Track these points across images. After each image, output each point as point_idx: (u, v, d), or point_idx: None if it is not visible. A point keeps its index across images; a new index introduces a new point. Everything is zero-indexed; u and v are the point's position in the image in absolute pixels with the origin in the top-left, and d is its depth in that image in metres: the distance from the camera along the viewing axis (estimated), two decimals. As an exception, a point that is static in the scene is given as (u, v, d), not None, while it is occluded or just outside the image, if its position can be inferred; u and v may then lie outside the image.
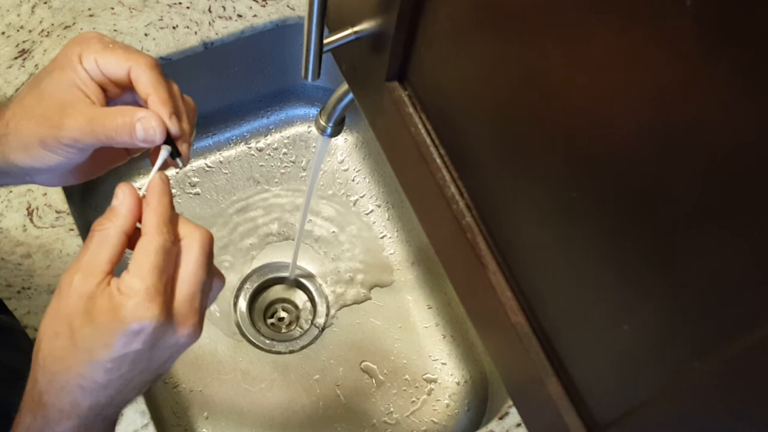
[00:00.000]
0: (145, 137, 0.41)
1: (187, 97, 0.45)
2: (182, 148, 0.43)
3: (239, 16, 0.86)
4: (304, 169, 0.96)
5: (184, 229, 0.41)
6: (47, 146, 0.42)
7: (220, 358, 0.83)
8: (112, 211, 0.40)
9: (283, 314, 0.90)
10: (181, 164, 0.43)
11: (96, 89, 0.42)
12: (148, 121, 0.41)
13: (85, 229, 0.79)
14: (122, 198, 0.40)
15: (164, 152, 0.42)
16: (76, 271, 0.39)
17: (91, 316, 0.38)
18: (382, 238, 0.93)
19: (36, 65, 0.80)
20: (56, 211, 0.73)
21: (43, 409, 0.40)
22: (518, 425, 0.70)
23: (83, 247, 0.40)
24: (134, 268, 0.38)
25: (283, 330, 0.88)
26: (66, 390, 0.39)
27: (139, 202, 0.41)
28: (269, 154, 0.97)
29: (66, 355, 0.39)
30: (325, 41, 0.41)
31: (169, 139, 0.42)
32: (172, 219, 0.41)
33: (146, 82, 0.41)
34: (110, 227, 0.39)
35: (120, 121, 0.41)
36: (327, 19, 0.39)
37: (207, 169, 0.94)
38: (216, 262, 0.45)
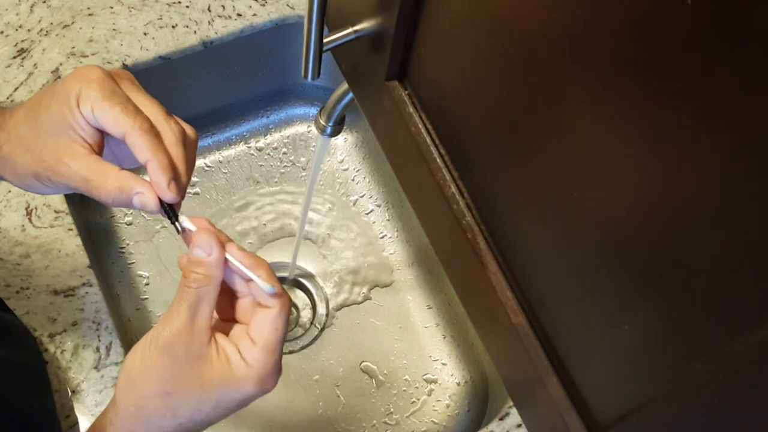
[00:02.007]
0: (142, 208, 0.42)
1: (189, 129, 0.44)
2: (179, 189, 0.42)
3: (239, 15, 0.86)
4: (304, 169, 0.96)
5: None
6: (41, 181, 0.43)
7: (220, 358, 0.83)
8: (201, 265, 0.40)
9: (282, 314, 0.90)
10: (179, 229, 0.42)
11: (93, 134, 0.42)
12: (144, 197, 0.41)
13: (84, 229, 0.79)
14: (209, 249, 0.40)
15: (187, 222, 0.42)
16: (182, 332, 0.40)
17: (211, 385, 0.40)
18: (382, 238, 0.93)
19: (35, 64, 0.80)
20: (55, 211, 0.73)
21: None
22: (519, 426, 0.70)
23: (179, 305, 0.40)
24: (261, 341, 0.39)
25: (283, 330, 0.88)
26: None
27: (223, 247, 0.40)
28: (269, 154, 0.97)
29: (176, 415, 0.41)
30: (325, 40, 0.41)
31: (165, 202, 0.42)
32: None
33: (143, 148, 0.40)
34: (206, 284, 0.40)
35: (118, 191, 0.41)
36: (327, 18, 0.39)
37: (206, 168, 0.94)
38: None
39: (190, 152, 0.44)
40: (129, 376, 0.41)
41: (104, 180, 0.41)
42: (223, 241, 0.41)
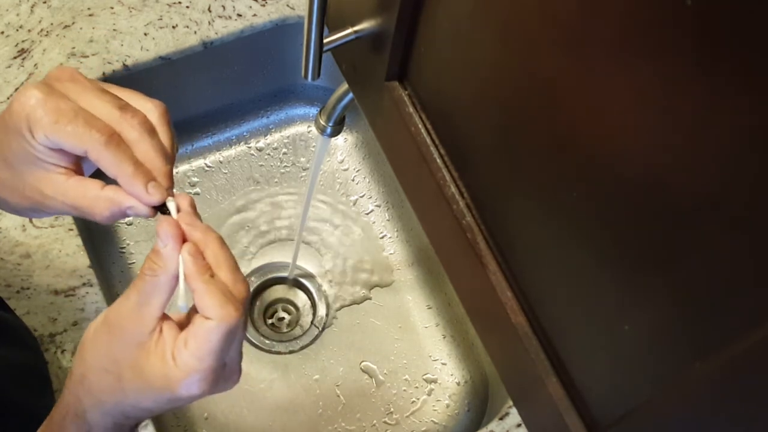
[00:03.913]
0: (138, 215, 0.41)
1: (152, 111, 0.41)
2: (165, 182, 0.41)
3: (239, 15, 0.86)
4: (304, 169, 0.96)
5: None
6: (39, 213, 0.43)
7: (220, 358, 0.83)
8: (159, 256, 0.39)
9: (282, 314, 0.90)
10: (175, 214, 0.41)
11: (63, 155, 0.40)
12: (136, 209, 0.40)
13: (84, 229, 0.79)
14: (167, 240, 0.39)
15: (171, 205, 0.41)
16: (128, 315, 0.39)
17: (143, 375, 0.39)
18: (382, 238, 0.93)
19: (35, 65, 0.80)
20: (56, 211, 0.73)
21: (86, 424, 0.42)
22: (518, 425, 0.70)
23: (132, 289, 0.39)
24: (193, 346, 0.38)
25: (283, 330, 0.88)
26: (110, 414, 0.41)
27: (184, 239, 0.39)
28: (269, 154, 0.97)
29: (113, 393, 0.40)
30: (325, 41, 0.41)
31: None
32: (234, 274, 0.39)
33: (107, 165, 0.39)
34: (161, 274, 0.39)
35: (109, 212, 0.40)
36: (327, 19, 0.39)
37: (206, 168, 0.94)
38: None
39: (162, 134, 0.41)
40: (82, 344, 0.41)
41: (93, 204, 0.40)
42: (189, 237, 0.39)
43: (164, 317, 0.40)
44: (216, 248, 0.40)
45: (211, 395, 0.41)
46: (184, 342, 0.38)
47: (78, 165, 0.41)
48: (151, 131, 0.40)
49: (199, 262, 0.39)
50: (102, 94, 0.40)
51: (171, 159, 0.41)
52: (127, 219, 0.89)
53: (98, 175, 0.42)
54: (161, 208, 0.41)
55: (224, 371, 0.41)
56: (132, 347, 0.39)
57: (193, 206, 0.41)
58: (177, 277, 0.39)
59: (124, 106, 0.40)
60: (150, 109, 0.41)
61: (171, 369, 0.38)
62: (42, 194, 0.40)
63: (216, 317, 0.37)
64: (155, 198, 0.40)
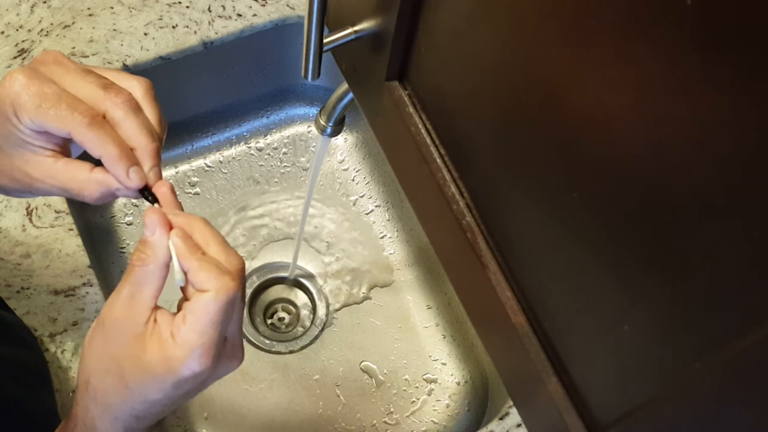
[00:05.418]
0: (126, 196, 0.42)
1: (137, 87, 0.41)
2: (152, 172, 0.41)
3: (239, 15, 0.86)
4: (304, 169, 0.96)
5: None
6: (27, 194, 0.43)
7: (220, 358, 0.83)
8: (147, 245, 0.39)
9: (282, 314, 0.90)
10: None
11: (50, 137, 0.40)
12: (125, 192, 0.41)
13: (84, 229, 0.79)
14: (154, 228, 0.39)
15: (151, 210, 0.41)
16: (121, 309, 0.39)
17: (143, 363, 0.38)
18: (382, 238, 0.93)
19: (35, 65, 0.80)
20: (55, 211, 0.73)
21: None
22: (518, 426, 0.70)
23: (123, 282, 0.39)
24: (192, 320, 0.38)
25: (283, 330, 0.88)
26: (120, 419, 0.41)
27: (171, 228, 0.39)
28: (269, 154, 0.97)
29: (118, 392, 0.40)
30: (325, 41, 0.41)
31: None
32: (227, 252, 0.39)
33: (91, 146, 0.39)
34: (150, 263, 0.39)
35: (99, 193, 0.41)
36: (327, 19, 0.39)
37: (206, 168, 0.94)
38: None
39: (148, 111, 0.41)
40: (82, 351, 0.41)
41: (82, 187, 0.40)
42: (174, 223, 0.39)
43: (157, 307, 0.39)
44: (202, 229, 0.40)
45: (217, 380, 0.41)
46: (183, 318, 0.38)
47: (65, 147, 0.42)
48: (136, 109, 0.41)
49: (189, 242, 0.39)
50: (86, 75, 0.40)
51: (158, 136, 0.42)
52: (126, 218, 0.89)
53: (85, 156, 0.42)
54: (145, 191, 0.41)
55: (225, 348, 0.40)
56: (128, 340, 0.39)
57: (173, 192, 0.42)
58: (167, 265, 0.39)
59: (107, 85, 0.40)
60: (134, 86, 0.42)
61: (171, 349, 0.38)
62: (30, 176, 0.41)
63: (213, 288, 0.37)
64: (134, 183, 0.40)
